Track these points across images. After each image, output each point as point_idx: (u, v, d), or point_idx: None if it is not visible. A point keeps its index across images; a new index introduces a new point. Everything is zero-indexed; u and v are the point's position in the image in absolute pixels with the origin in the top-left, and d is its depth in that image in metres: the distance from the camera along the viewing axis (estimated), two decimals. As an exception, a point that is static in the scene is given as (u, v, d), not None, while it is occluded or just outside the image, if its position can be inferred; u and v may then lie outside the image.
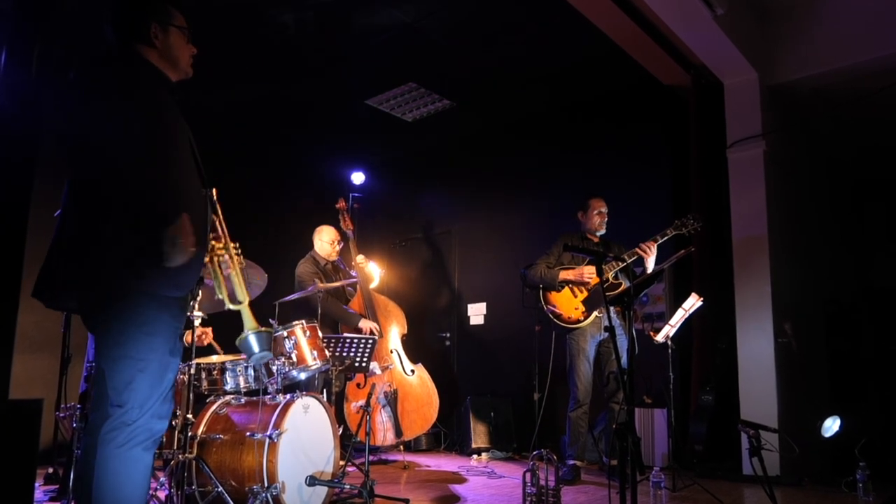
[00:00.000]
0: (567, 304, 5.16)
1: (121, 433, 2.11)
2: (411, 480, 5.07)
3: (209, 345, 4.73)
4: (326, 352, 4.19)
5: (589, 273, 5.10)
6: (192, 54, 2.50)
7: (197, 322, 3.64)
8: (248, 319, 2.37)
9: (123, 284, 2.11)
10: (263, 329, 2.39)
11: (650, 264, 4.96)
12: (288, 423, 3.59)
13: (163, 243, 2.05)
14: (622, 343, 4.91)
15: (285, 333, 3.94)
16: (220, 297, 2.39)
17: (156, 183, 2.15)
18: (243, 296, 2.38)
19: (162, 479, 3.49)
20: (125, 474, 2.11)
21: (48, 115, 2.45)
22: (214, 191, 2.43)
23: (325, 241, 5.94)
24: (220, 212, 2.45)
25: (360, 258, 6.05)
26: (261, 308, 4.78)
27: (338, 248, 5.97)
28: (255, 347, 2.35)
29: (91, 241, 2.11)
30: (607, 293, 4.94)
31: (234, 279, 2.40)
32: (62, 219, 2.22)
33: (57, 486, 4.27)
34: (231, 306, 2.37)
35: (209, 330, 4.65)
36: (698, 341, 5.79)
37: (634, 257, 4.94)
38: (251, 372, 3.96)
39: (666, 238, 5.00)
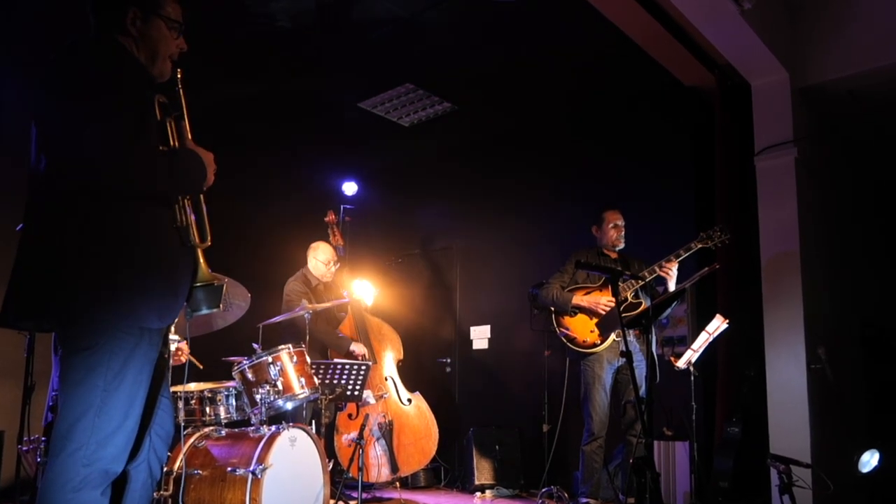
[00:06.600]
0: (581, 326, 5.16)
1: (76, 474, 2.00)
2: (408, 521, 5.06)
3: (187, 361, 4.73)
4: (315, 379, 4.19)
5: (605, 304, 5.07)
6: (179, 50, 2.43)
7: (172, 346, 3.66)
8: (202, 267, 2.31)
9: (99, 313, 2.06)
10: (216, 280, 2.33)
11: (672, 285, 4.96)
12: (273, 458, 3.59)
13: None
14: (640, 369, 4.91)
15: (270, 359, 3.94)
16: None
17: (138, 194, 2.13)
18: (206, 235, 2.36)
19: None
20: None
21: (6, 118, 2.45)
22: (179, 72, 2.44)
23: (320, 259, 5.93)
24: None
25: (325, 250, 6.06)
26: (244, 331, 4.83)
27: (333, 269, 5.95)
28: (203, 307, 2.33)
29: (62, 262, 2.07)
30: (628, 314, 4.94)
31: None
32: (24, 234, 2.16)
33: (18, 527, 4.26)
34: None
35: (184, 345, 4.64)
36: (723, 367, 5.77)
37: (654, 275, 4.95)
38: (233, 402, 3.96)
39: (690, 252, 5.00)
